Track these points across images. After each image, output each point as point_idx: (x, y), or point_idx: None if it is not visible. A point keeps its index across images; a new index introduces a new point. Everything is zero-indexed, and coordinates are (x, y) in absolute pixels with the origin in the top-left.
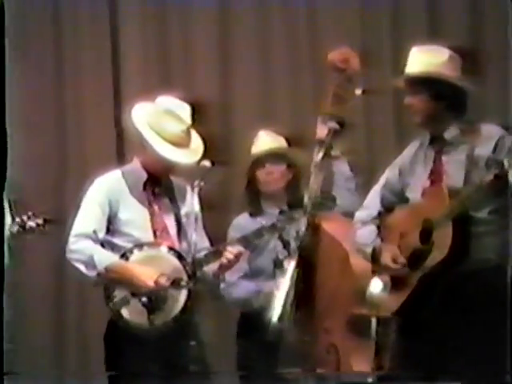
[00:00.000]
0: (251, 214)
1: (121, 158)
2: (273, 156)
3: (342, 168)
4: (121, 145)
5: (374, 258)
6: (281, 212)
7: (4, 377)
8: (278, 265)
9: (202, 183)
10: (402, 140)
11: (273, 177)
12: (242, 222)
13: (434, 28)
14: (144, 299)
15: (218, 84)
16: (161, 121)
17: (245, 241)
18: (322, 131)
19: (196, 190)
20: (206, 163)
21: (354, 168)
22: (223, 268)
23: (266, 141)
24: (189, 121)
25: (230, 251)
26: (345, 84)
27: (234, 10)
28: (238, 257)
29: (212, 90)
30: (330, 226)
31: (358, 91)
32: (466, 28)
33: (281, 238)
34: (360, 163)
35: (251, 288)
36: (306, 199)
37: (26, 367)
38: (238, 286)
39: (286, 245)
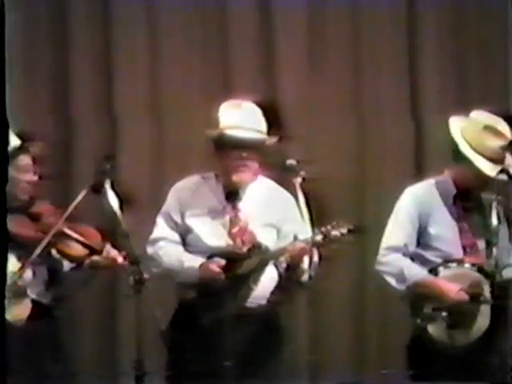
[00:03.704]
0: None
1: (418, 170)
2: None
3: None
4: (419, 156)
5: None
6: None
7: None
8: None
9: (500, 197)
10: None
11: None
12: None
13: None
14: (444, 314)
15: None
16: (481, 136)
17: None
18: None
19: (495, 204)
20: (503, 176)
21: None
22: None
23: None
24: (509, 136)
25: None
26: None
27: None
28: None
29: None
30: None
31: None
32: None
33: None
34: None
35: None
36: None
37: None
38: None
39: None
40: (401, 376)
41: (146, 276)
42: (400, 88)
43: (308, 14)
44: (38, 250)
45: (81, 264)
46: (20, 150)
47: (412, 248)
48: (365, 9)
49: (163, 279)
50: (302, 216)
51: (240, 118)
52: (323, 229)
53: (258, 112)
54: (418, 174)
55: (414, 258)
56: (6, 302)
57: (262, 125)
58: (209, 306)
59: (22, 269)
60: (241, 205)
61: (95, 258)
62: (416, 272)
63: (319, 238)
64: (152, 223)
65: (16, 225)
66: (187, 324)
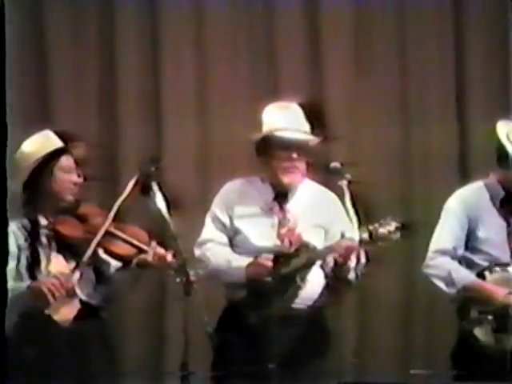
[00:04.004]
0: None
1: (463, 172)
2: None
3: None
4: (465, 158)
5: None
6: None
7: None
8: None
9: None
10: None
11: None
12: None
13: None
14: (490, 317)
15: None
16: None
17: None
18: None
19: None
20: None
21: None
22: None
23: None
24: None
25: None
26: None
27: None
28: None
29: None
30: None
31: None
32: None
33: None
34: None
35: None
36: None
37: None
38: None
39: None
40: (446, 376)
41: (193, 278)
42: (446, 89)
43: (354, 15)
44: (90, 251)
45: (128, 263)
46: (63, 151)
47: (460, 251)
48: (411, 9)
49: (211, 280)
50: (349, 218)
51: (288, 120)
52: (370, 227)
53: (302, 113)
54: (463, 175)
55: (461, 261)
56: (56, 302)
57: (306, 126)
58: (256, 306)
59: (74, 270)
60: (288, 206)
61: (143, 256)
62: (464, 275)
63: (366, 235)
64: (199, 225)
65: (64, 226)
66: (234, 324)
